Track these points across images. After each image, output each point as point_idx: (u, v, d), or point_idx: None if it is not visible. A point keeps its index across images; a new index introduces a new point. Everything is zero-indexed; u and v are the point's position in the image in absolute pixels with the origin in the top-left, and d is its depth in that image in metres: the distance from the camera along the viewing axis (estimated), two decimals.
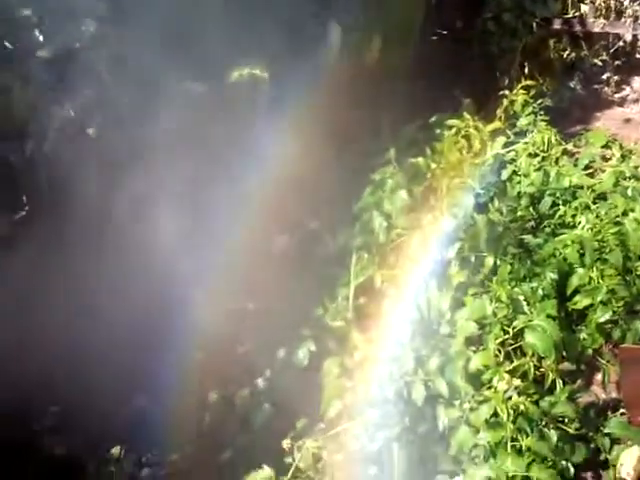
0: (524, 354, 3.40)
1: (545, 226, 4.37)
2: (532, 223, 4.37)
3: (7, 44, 3.38)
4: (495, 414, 3.11)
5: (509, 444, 3.01)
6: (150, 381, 3.39)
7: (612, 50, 6.67)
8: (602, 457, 3.21)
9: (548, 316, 3.46)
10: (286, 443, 3.06)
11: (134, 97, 3.67)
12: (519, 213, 4.36)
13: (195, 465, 3.25)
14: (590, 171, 4.90)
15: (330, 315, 3.68)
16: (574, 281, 3.95)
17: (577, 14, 6.63)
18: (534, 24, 6.40)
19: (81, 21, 3.57)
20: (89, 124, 3.52)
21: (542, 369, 3.40)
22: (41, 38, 3.45)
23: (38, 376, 3.06)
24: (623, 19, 6.61)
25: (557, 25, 6.62)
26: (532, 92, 5.40)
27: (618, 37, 6.77)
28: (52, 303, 3.38)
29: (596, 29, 6.65)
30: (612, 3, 6.63)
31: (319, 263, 3.96)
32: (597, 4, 6.61)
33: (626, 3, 6.64)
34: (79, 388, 3.21)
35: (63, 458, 3.21)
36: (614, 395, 3.48)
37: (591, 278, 3.95)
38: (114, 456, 3.24)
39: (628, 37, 6.86)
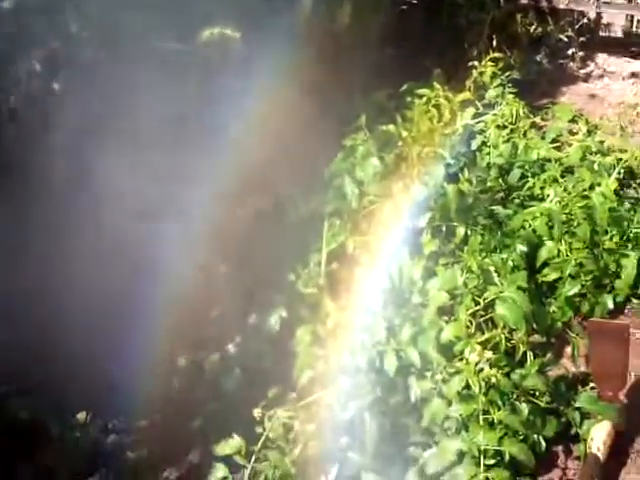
0: (495, 326, 3.37)
1: (514, 198, 4.37)
2: (501, 194, 4.37)
3: None
4: (467, 386, 3.09)
5: (481, 417, 2.98)
6: (118, 346, 3.29)
7: (577, 26, 6.69)
8: (573, 431, 3.19)
9: (518, 288, 3.44)
10: (257, 412, 2.99)
11: (101, 53, 3.54)
12: (489, 184, 4.34)
13: (163, 432, 3.17)
14: (557, 145, 4.91)
15: (302, 281, 3.62)
16: (543, 254, 3.95)
17: None
18: None
19: None
20: (55, 79, 3.38)
21: (513, 341, 3.38)
22: None
23: (5, 340, 2.95)
24: None
25: (524, 0, 6.62)
26: (500, 65, 5.40)
27: (582, 14, 6.81)
28: (20, 267, 3.27)
29: (561, 5, 6.69)
30: None
31: (291, 228, 3.90)
32: None
33: None
34: (46, 353, 3.12)
35: (27, 421, 3.10)
36: (584, 369, 3.48)
37: (560, 251, 3.95)
38: (80, 421, 3.15)
39: (592, 14, 6.91)
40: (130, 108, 3.62)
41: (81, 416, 3.16)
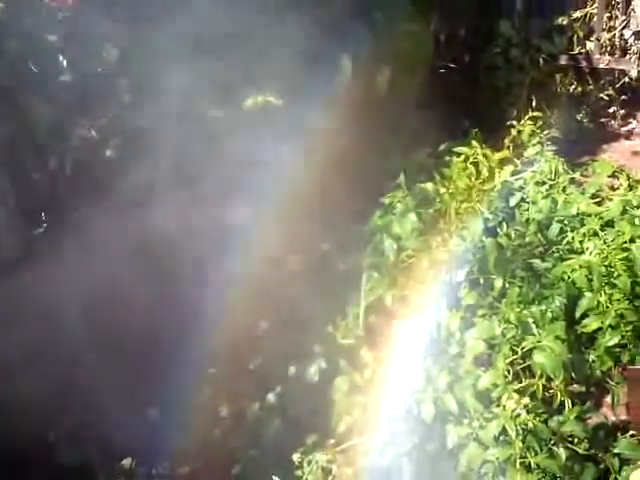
0: (533, 374, 3.41)
1: (553, 251, 4.39)
2: (540, 248, 4.39)
3: (33, 67, 3.48)
4: (504, 432, 3.13)
5: (518, 461, 3.02)
6: (163, 393, 3.41)
7: (618, 85, 6.75)
8: (612, 478, 3.19)
9: (557, 337, 3.49)
10: (296, 457, 3.08)
11: (152, 121, 3.75)
12: (527, 239, 4.39)
13: (205, 478, 3.26)
14: (597, 200, 4.94)
15: (341, 333, 3.72)
16: (583, 304, 3.97)
17: (583, 51, 6.73)
18: (541, 60, 6.51)
19: (104, 47, 3.67)
20: (107, 145, 3.59)
21: (551, 390, 3.42)
22: (65, 63, 3.54)
23: (52, 389, 3.08)
24: (628, 56, 6.71)
25: (563, 61, 6.70)
26: (539, 124, 5.49)
27: (623, 73, 6.85)
28: (66, 318, 3.42)
29: (601, 65, 6.74)
30: (617, 41, 6.73)
31: (331, 282, 4.01)
32: (602, 41, 6.71)
33: (630, 41, 6.74)
34: (93, 400, 3.24)
35: (76, 469, 3.22)
36: (624, 417, 3.48)
37: (599, 302, 3.97)
38: (125, 468, 3.25)
39: (633, 73, 6.94)
40: (177, 175, 3.80)
41: (126, 462, 3.26)
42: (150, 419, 3.40)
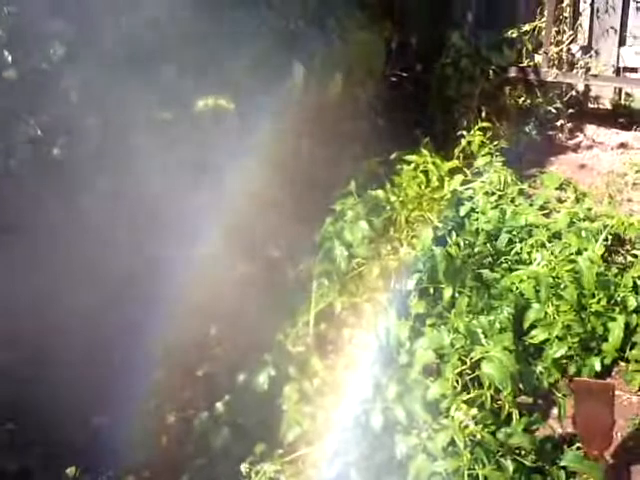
0: (481, 385, 3.42)
1: (502, 262, 4.44)
2: (489, 259, 4.43)
3: None
4: (452, 443, 3.12)
5: (466, 473, 3.01)
6: (109, 401, 3.34)
7: (565, 98, 6.85)
8: None
9: (505, 348, 3.48)
10: (244, 467, 3.03)
11: (100, 120, 3.67)
12: (477, 248, 4.42)
13: None
14: (545, 211, 5.01)
15: (291, 340, 3.68)
16: (530, 315, 4.02)
17: (531, 64, 6.82)
18: (490, 71, 6.57)
19: (50, 44, 3.57)
20: (55, 144, 3.50)
21: (499, 401, 3.42)
22: (9, 59, 3.44)
23: None
24: (575, 70, 6.82)
25: (512, 73, 6.80)
26: (489, 135, 5.54)
27: (571, 86, 6.97)
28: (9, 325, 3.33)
29: (549, 78, 6.84)
30: (564, 55, 6.84)
31: (280, 290, 3.97)
32: (550, 55, 6.81)
33: (578, 55, 6.86)
34: (36, 406, 3.15)
35: (16, 476, 3.12)
36: (570, 429, 3.50)
37: (547, 313, 4.02)
38: (69, 476, 3.16)
39: (580, 87, 7.07)
40: (122, 175, 3.72)
41: (71, 470, 3.17)
42: (95, 427, 3.31)
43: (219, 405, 3.42)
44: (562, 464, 3.24)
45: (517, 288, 4.16)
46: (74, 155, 3.55)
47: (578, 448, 3.32)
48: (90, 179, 3.64)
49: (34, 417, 3.17)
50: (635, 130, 6.75)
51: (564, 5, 6.70)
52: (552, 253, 4.40)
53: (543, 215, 4.91)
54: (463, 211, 4.83)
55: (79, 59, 3.61)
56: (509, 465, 3.08)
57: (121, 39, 3.78)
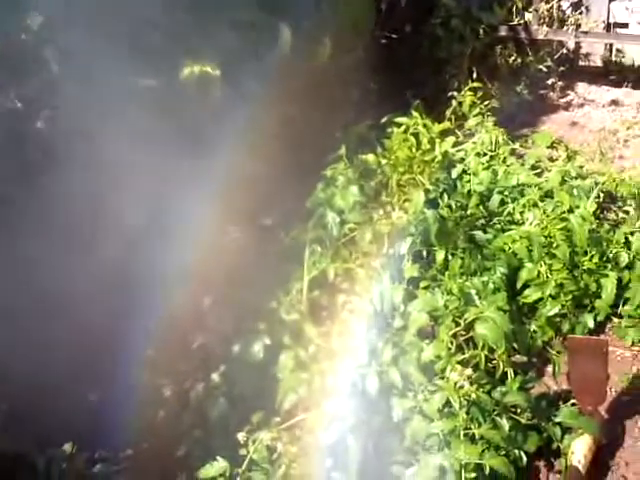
0: (476, 346, 3.42)
1: (494, 223, 4.43)
2: (482, 220, 4.41)
3: None
4: (448, 404, 3.14)
5: (462, 433, 3.02)
6: (103, 376, 3.34)
7: (556, 56, 6.81)
8: (554, 446, 3.23)
9: (498, 308, 3.47)
10: (241, 436, 3.04)
11: (83, 90, 3.63)
12: (469, 210, 4.41)
13: (150, 460, 3.20)
14: (537, 171, 5.00)
15: (284, 308, 3.68)
16: (523, 275, 4.03)
17: (522, 22, 6.77)
18: (481, 30, 6.52)
19: (27, 14, 3.52)
20: (38, 116, 3.47)
21: (494, 361, 3.43)
22: None
23: None
24: (566, 27, 6.77)
25: (503, 32, 6.76)
26: (480, 95, 5.51)
27: (561, 44, 6.93)
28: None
29: (540, 36, 6.79)
30: (555, 12, 6.78)
31: (273, 257, 3.97)
32: (540, 12, 6.75)
33: (568, 12, 6.81)
34: (29, 386, 3.14)
35: (12, 456, 3.13)
36: (565, 386, 3.52)
37: (540, 272, 4.03)
38: (65, 453, 3.17)
39: (571, 44, 7.04)
40: (108, 145, 3.69)
41: (67, 448, 3.17)
42: (91, 402, 3.31)
43: (215, 376, 3.43)
44: (557, 420, 3.26)
45: (510, 248, 4.16)
46: (57, 127, 3.51)
47: (573, 404, 3.34)
48: (73, 149, 3.60)
49: (28, 398, 3.16)
50: (626, 87, 6.72)
51: None
52: (544, 212, 4.39)
53: (535, 174, 4.89)
54: (455, 173, 4.80)
55: (58, 28, 3.55)
56: (505, 423, 3.10)
57: (103, 5, 3.71)
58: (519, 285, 4.02)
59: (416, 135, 4.73)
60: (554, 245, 4.14)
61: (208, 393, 3.39)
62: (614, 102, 6.66)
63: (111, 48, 3.55)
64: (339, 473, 3.01)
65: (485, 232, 4.28)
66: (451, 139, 4.96)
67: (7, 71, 3.42)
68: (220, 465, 2.97)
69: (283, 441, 3.06)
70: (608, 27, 6.96)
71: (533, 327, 3.89)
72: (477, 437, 3.01)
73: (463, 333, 3.45)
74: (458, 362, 3.27)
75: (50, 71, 3.50)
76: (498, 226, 4.40)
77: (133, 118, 3.67)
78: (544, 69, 6.75)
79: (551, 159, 5.28)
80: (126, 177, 3.66)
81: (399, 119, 4.86)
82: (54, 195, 3.49)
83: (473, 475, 2.90)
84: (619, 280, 4.11)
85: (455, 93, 5.50)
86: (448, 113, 5.32)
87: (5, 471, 3.12)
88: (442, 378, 3.23)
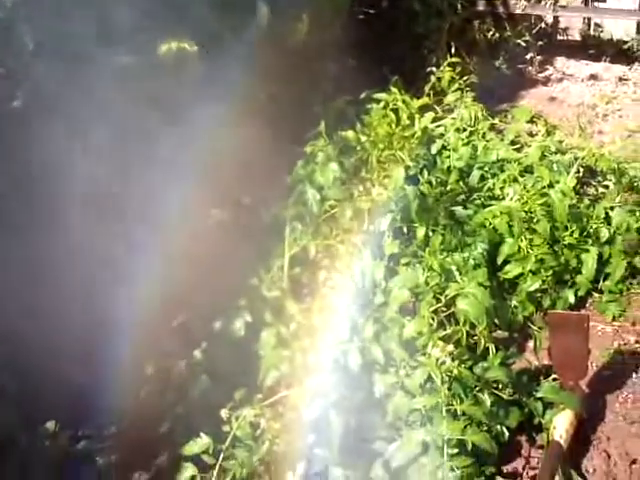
0: (457, 322, 3.43)
1: (475, 198, 4.42)
2: (462, 196, 4.41)
3: None
4: (430, 379, 3.14)
5: (444, 409, 3.03)
6: (86, 355, 3.32)
7: (534, 31, 6.81)
8: (536, 421, 3.24)
9: (479, 284, 3.48)
10: (224, 412, 3.04)
11: (59, 68, 3.57)
12: (449, 186, 4.40)
13: (132, 437, 3.19)
14: (517, 146, 5.00)
15: (265, 286, 3.67)
16: (504, 250, 4.03)
17: None
18: (459, 5, 6.50)
19: None
20: (14, 96, 3.41)
21: (475, 336, 3.44)
22: None
23: None
24: (544, 1, 6.76)
25: (481, 7, 6.76)
26: (458, 70, 5.49)
27: (540, 18, 6.93)
28: None
29: (518, 11, 6.79)
30: None
31: (253, 235, 3.95)
32: None
33: None
34: (10, 363, 3.12)
35: None
36: (546, 361, 3.53)
37: (520, 248, 4.03)
38: (48, 431, 3.16)
39: (549, 19, 7.04)
40: (85, 123, 3.64)
41: (50, 425, 3.17)
42: (74, 380, 3.29)
43: (197, 353, 3.42)
44: (539, 396, 3.27)
45: (490, 224, 4.15)
46: (33, 105, 3.46)
47: (554, 379, 3.35)
48: (49, 128, 3.55)
49: (9, 376, 3.14)
50: (605, 61, 6.73)
51: None
52: (524, 187, 4.39)
53: (514, 150, 4.89)
54: (434, 149, 4.79)
55: (33, 5, 3.49)
56: (486, 399, 3.11)
57: None
58: (500, 261, 4.02)
59: (395, 111, 4.72)
60: (534, 220, 4.14)
61: (190, 370, 3.39)
62: (593, 76, 6.67)
63: (87, 26, 3.50)
64: (322, 449, 3.01)
65: (465, 208, 4.28)
66: (430, 115, 4.95)
67: None
68: (203, 442, 2.98)
69: (266, 417, 3.07)
70: (586, 1, 6.96)
71: (514, 303, 3.89)
72: (459, 413, 3.02)
73: (444, 309, 3.46)
74: (440, 338, 3.27)
75: (26, 49, 3.43)
76: (478, 202, 4.39)
77: (110, 96, 3.62)
78: (522, 44, 6.75)
79: (530, 134, 5.28)
80: (103, 154, 3.62)
81: (378, 95, 4.85)
82: (32, 172, 3.46)
83: (455, 451, 2.91)
84: (599, 255, 4.11)
85: (434, 69, 5.48)
86: (427, 89, 5.30)
87: None
88: (424, 354, 3.23)
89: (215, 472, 2.91)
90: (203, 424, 3.07)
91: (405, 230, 4.02)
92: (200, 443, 2.97)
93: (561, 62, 6.86)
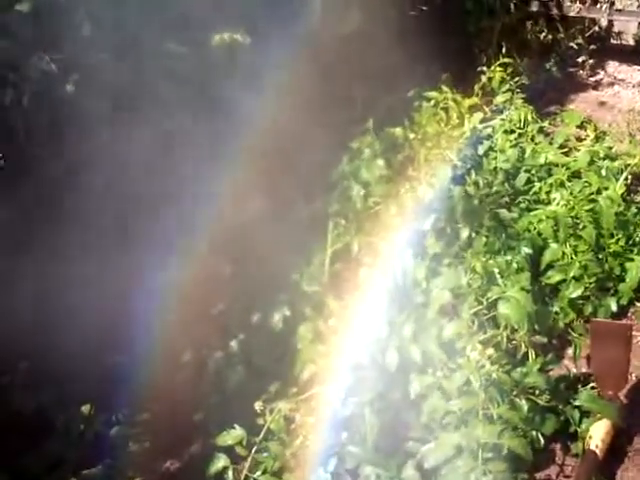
0: (497, 325, 3.41)
1: (520, 201, 4.38)
2: (507, 198, 4.37)
3: None
4: (467, 382, 3.12)
5: (480, 412, 3.01)
6: (124, 340, 3.34)
7: (588, 34, 6.70)
8: (572, 429, 3.21)
9: (522, 289, 3.46)
10: (258, 405, 3.05)
11: (113, 56, 3.61)
12: (495, 188, 4.36)
13: (166, 425, 3.22)
14: (565, 150, 4.93)
15: (306, 280, 3.67)
16: (548, 256, 3.98)
17: None
18: (512, 5, 6.41)
19: None
20: (68, 80, 3.45)
21: (515, 341, 3.42)
22: None
23: (8, 331, 3.00)
24: (599, 4, 6.65)
25: (534, 7, 6.64)
26: (509, 71, 5.44)
27: (594, 22, 6.81)
28: (24, 261, 3.32)
29: (572, 13, 6.68)
30: None
31: (295, 228, 3.95)
32: None
33: None
34: (50, 346, 3.16)
35: (32, 415, 3.16)
36: (585, 369, 3.50)
37: (564, 254, 3.98)
38: (84, 414, 3.20)
39: (603, 22, 6.90)
40: (137, 111, 3.67)
41: (85, 409, 3.21)
42: (110, 365, 3.32)
43: (233, 344, 3.44)
44: (576, 404, 3.24)
45: (535, 228, 4.12)
46: (87, 91, 3.49)
47: (592, 388, 3.33)
48: (104, 114, 3.59)
49: (48, 356, 3.18)
50: None
51: None
52: (571, 192, 4.34)
53: (563, 154, 4.82)
54: (482, 149, 4.76)
55: None
56: (523, 404, 3.09)
57: None
58: (543, 265, 3.97)
59: (446, 110, 4.68)
60: (580, 226, 4.09)
61: (226, 360, 3.40)
62: None
63: (143, 15, 3.52)
64: (355, 447, 3.01)
65: (510, 211, 4.24)
66: (479, 115, 4.90)
67: (40, 33, 3.40)
68: (237, 433, 2.99)
69: (300, 412, 3.07)
70: None
71: (555, 308, 3.84)
72: (495, 417, 3.00)
73: (485, 312, 3.44)
74: (479, 341, 3.25)
75: (81, 36, 3.47)
76: (523, 205, 4.35)
77: (162, 84, 3.64)
78: (575, 46, 6.63)
79: (579, 139, 5.20)
80: (153, 142, 3.65)
81: (429, 93, 4.81)
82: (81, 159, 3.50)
83: (490, 455, 2.89)
84: None
85: (484, 68, 5.43)
86: (476, 88, 5.25)
87: (24, 427, 3.15)
88: (462, 356, 3.21)
89: (247, 464, 2.93)
90: (237, 415, 3.08)
91: (449, 230, 3.98)
92: (234, 434, 2.98)
93: (613, 67, 6.73)
